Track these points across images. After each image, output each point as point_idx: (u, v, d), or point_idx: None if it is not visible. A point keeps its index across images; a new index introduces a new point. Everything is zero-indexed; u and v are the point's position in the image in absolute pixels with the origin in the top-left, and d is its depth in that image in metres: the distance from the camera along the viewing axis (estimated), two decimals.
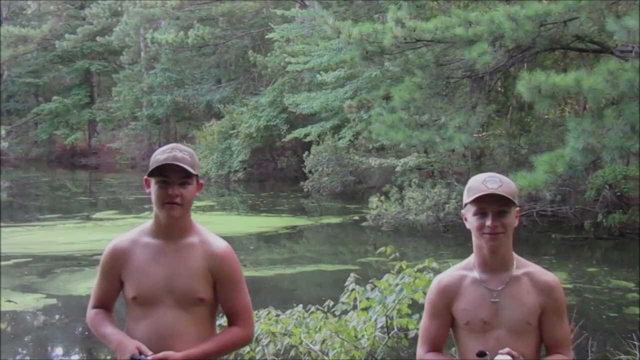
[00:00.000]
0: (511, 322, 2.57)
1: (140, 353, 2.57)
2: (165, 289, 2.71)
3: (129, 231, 2.87)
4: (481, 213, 2.56)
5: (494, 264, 2.62)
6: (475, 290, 2.63)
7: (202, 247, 2.78)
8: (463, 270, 2.70)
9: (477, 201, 2.55)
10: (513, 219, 2.58)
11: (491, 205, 2.54)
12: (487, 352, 2.48)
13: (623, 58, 9.95)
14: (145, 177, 2.74)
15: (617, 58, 10.00)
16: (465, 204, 2.62)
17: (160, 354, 2.58)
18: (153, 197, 2.72)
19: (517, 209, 2.61)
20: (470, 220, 2.60)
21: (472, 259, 2.69)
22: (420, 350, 2.74)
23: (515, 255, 2.67)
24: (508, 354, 2.45)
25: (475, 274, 2.65)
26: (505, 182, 2.57)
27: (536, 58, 14.53)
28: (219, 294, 2.79)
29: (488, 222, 2.53)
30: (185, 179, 2.70)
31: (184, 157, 2.69)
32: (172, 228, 2.76)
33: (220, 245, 2.81)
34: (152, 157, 2.73)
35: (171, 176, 2.68)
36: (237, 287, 2.81)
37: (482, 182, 2.56)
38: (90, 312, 2.86)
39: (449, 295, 2.67)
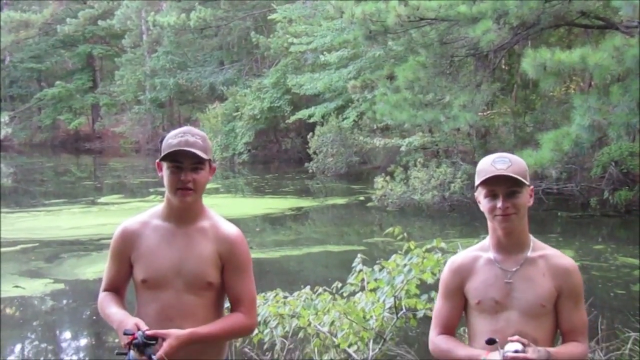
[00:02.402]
0: (524, 304, 2.52)
1: (139, 329, 2.55)
2: (174, 272, 2.70)
3: (140, 213, 2.85)
4: (492, 195, 2.52)
5: (509, 245, 2.58)
6: (489, 270, 2.59)
7: (213, 231, 2.76)
8: (478, 251, 2.66)
9: (486, 183, 2.51)
10: (525, 199, 2.53)
11: (501, 186, 2.49)
12: (497, 340, 2.42)
13: (628, 34, 9.86)
14: (157, 161, 2.72)
15: (622, 34, 9.91)
16: (477, 187, 2.57)
17: (164, 331, 2.56)
18: (165, 181, 2.70)
19: (531, 187, 2.56)
20: (482, 202, 2.56)
21: (487, 240, 2.65)
22: (432, 332, 2.70)
23: (532, 237, 2.62)
24: (517, 341, 2.38)
25: (490, 254, 2.61)
26: (515, 162, 2.51)
27: (541, 35, 14.40)
28: (226, 279, 2.76)
29: (499, 204, 2.49)
30: (198, 164, 2.67)
31: (196, 141, 2.65)
32: (185, 212, 2.74)
33: (232, 230, 2.79)
34: (164, 141, 2.69)
35: (183, 161, 2.65)
36: (244, 273, 2.78)
37: (491, 164, 2.51)
38: (100, 295, 2.85)
39: (462, 275, 2.63)
